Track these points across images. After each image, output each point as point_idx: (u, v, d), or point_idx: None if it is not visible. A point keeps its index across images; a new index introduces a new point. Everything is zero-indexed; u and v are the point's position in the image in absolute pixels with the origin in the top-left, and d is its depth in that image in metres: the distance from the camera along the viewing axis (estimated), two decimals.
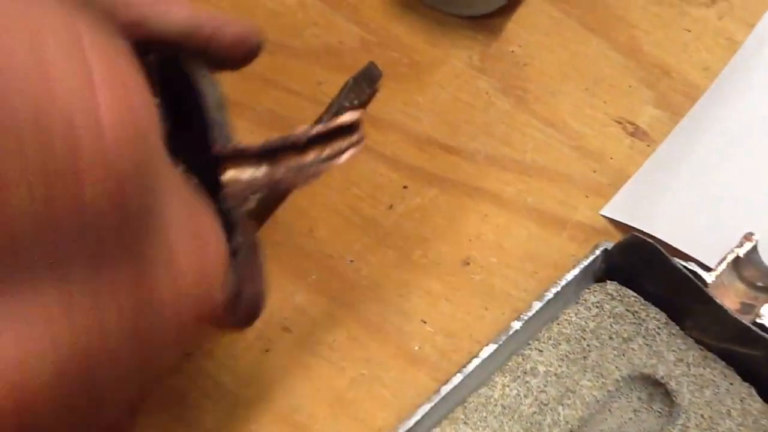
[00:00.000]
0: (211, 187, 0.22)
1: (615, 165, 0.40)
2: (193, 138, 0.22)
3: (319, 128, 0.23)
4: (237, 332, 0.32)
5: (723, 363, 0.29)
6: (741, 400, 0.29)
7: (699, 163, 0.39)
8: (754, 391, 0.29)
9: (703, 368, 0.29)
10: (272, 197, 0.35)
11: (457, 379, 0.29)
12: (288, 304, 0.36)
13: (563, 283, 0.30)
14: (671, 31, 0.44)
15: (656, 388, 0.29)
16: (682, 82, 0.43)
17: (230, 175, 0.22)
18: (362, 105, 0.27)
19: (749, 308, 0.30)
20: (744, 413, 0.28)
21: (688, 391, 0.29)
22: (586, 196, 0.39)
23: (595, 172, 0.40)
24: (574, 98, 0.42)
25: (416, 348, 0.35)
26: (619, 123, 0.42)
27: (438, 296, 0.37)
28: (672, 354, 0.30)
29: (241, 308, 0.24)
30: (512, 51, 0.44)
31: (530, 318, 0.30)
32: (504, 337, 0.29)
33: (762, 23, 0.43)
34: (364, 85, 0.34)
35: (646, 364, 0.29)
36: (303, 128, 0.23)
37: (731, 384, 0.29)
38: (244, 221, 0.23)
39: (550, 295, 0.30)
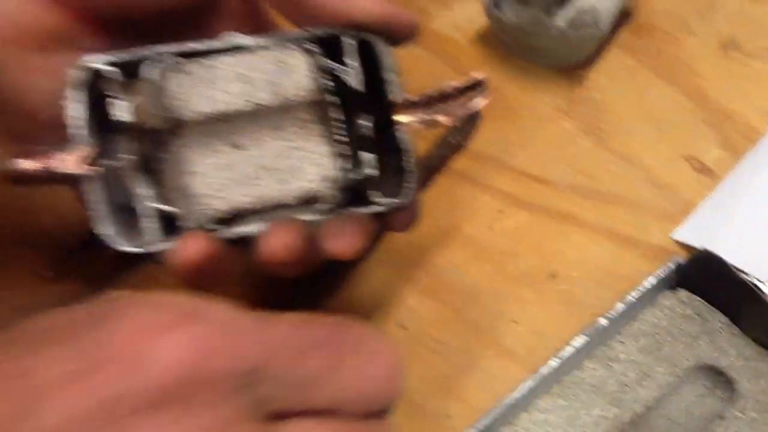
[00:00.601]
0: (390, 123, 0.32)
1: (683, 196, 0.46)
2: (377, 91, 0.32)
3: (460, 83, 0.32)
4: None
5: None
6: None
7: (759, 196, 0.45)
8: None
9: (759, 362, 0.35)
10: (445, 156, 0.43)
11: (555, 362, 0.35)
12: (403, 305, 0.43)
13: (642, 289, 0.37)
14: (734, 81, 0.50)
15: (719, 377, 0.35)
16: (743, 126, 0.49)
17: (401, 117, 0.31)
18: (467, 136, 0.33)
19: None
20: None
21: (746, 380, 0.35)
22: (657, 222, 0.45)
23: (665, 201, 0.46)
24: (646, 138, 0.49)
25: (509, 343, 0.42)
26: (687, 160, 0.48)
27: (527, 302, 0.43)
28: (733, 349, 0.36)
29: (410, 216, 0.34)
30: (593, 96, 0.51)
31: (615, 317, 0.36)
32: (593, 331, 0.35)
33: None
34: (468, 123, 0.40)
35: (710, 357, 0.35)
36: (447, 84, 0.32)
37: None
38: (411, 149, 0.32)
39: (632, 298, 0.36)
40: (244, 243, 0.31)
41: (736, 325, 0.36)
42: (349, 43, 0.31)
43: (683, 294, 0.37)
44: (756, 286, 0.36)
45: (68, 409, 0.21)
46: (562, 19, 0.50)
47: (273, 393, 0.23)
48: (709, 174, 0.47)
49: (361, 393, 0.26)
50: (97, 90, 0.30)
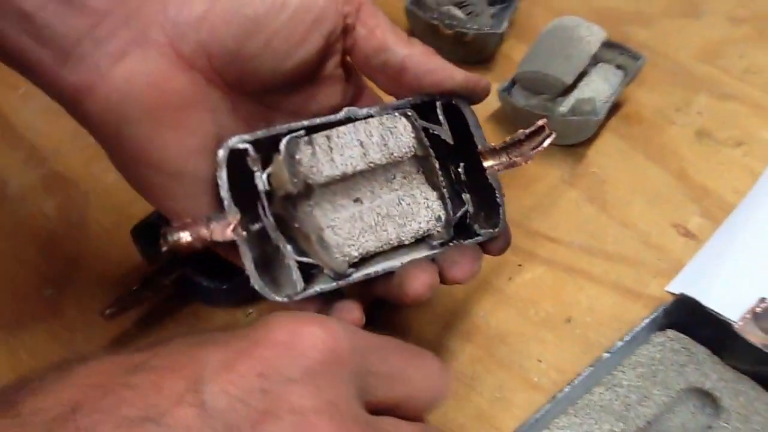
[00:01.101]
0: (480, 169, 0.38)
1: (673, 256, 0.55)
2: (467, 144, 0.39)
3: (528, 130, 0.39)
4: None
5: (752, 380, 0.44)
6: (765, 402, 0.43)
7: (732, 255, 0.54)
8: (766, 393, 0.43)
9: (737, 383, 0.44)
10: None
11: (567, 388, 0.43)
12: (442, 347, 0.51)
13: (637, 329, 0.45)
14: (709, 164, 0.60)
15: (705, 397, 0.44)
16: (718, 199, 0.58)
17: (488, 163, 0.39)
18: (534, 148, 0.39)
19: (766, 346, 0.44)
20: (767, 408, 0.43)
21: (728, 398, 0.43)
22: (654, 277, 0.54)
23: (659, 260, 0.55)
24: (640, 207, 0.58)
25: (535, 379, 0.49)
26: (674, 227, 0.57)
27: (548, 343, 0.51)
28: (715, 374, 0.44)
29: (505, 241, 0.41)
30: (593, 171, 0.60)
31: (615, 351, 0.44)
32: (598, 363, 0.44)
33: None
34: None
35: (697, 381, 0.44)
36: (520, 132, 0.39)
37: (758, 393, 0.43)
38: (500, 186, 0.39)
39: (628, 337, 0.45)
40: (369, 279, 0.37)
41: (717, 354, 0.45)
42: (440, 106, 0.39)
43: (671, 333, 0.46)
44: (730, 323, 0.45)
45: (231, 382, 0.26)
46: (564, 106, 0.60)
47: (370, 382, 0.30)
48: (693, 238, 0.56)
49: (425, 387, 0.33)
50: (239, 164, 0.35)
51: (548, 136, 0.38)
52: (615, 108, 0.63)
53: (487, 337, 0.51)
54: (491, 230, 0.39)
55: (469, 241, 0.39)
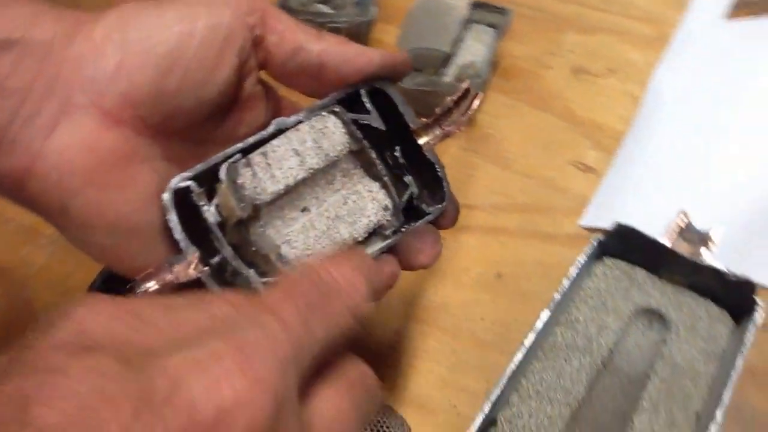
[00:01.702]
0: (416, 148, 0.38)
1: (579, 193, 0.57)
2: (400, 126, 0.38)
3: (455, 96, 0.38)
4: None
5: (689, 290, 0.45)
6: (706, 310, 0.45)
7: (631, 179, 0.56)
8: (711, 302, 0.45)
9: (678, 296, 0.45)
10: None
11: (532, 335, 0.43)
12: (393, 331, 0.51)
13: (579, 264, 0.46)
14: (591, 97, 0.62)
15: (653, 315, 0.45)
16: (607, 129, 0.61)
17: (423, 139, 0.38)
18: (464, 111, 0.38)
19: (696, 256, 0.46)
20: (709, 316, 0.44)
21: (672, 311, 0.44)
22: (566, 216, 0.56)
23: (567, 200, 0.57)
24: (538, 155, 0.59)
25: (483, 337, 0.50)
26: (573, 165, 0.59)
27: (486, 302, 0.51)
28: (656, 292, 0.45)
29: (453, 212, 0.39)
30: (489, 132, 0.61)
31: (566, 290, 0.45)
32: (552, 305, 0.44)
33: (651, 81, 0.62)
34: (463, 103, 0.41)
35: (643, 302, 0.45)
36: (447, 100, 0.38)
37: (697, 301, 0.45)
38: (438, 160, 0.38)
39: (573, 273, 0.46)
40: None
41: (654, 274, 0.47)
42: (364, 94, 0.37)
43: (609, 261, 0.47)
44: (657, 240, 0.46)
45: None
46: (448, 75, 0.60)
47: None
48: (592, 171, 0.58)
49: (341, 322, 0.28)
50: (186, 203, 0.34)
51: (475, 97, 0.38)
52: (493, 66, 0.64)
53: (431, 311, 0.51)
54: (439, 206, 0.38)
55: (420, 222, 0.38)
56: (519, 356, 0.42)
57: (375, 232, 0.38)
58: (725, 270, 0.44)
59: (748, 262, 0.49)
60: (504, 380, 0.41)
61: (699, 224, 0.48)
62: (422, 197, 0.39)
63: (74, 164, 0.32)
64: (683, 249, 0.47)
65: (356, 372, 0.28)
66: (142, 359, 0.22)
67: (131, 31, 0.33)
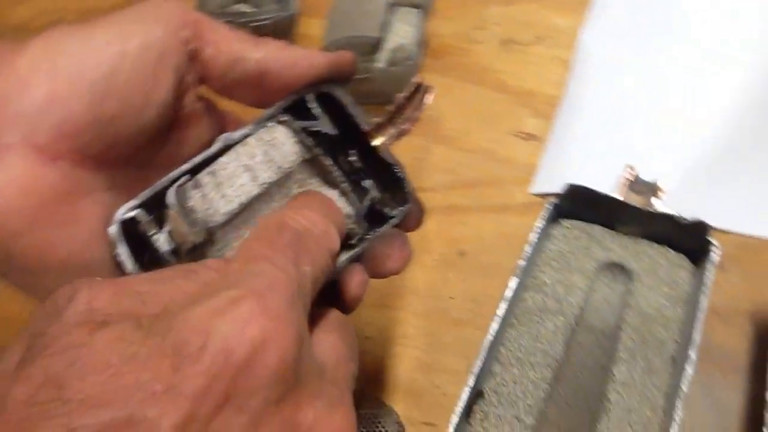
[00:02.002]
0: (371, 148, 0.36)
1: (524, 161, 0.58)
2: (352, 129, 0.36)
3: (405, 93, 0.36)
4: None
5: (646, 240, 0.47)
6: (665, 256, 0.46)
7: (575, 140, 0.57)
8: (668, 249, 0.47)
9: (636, 246, 0.47)
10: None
11: (504, 304, 0.44)
12: (367, 324, 0.51)
13: (538, 229, 0.47)
14: (522, 67, 0.63)
15: (615, 268, 0.46)
16: (543, 96, 0.61)
17: (377, 140, 0.36)
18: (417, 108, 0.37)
19: (647, 206, 0.48)
20: (669, 262, 0.46)
21: (633, 262, 0.46)
22: (516, 186, 0.56)
23: (514, 170, 0.57)
24: (479, 130, 0.60)
25: (455, 315, 0.50)
26: (515, 135, 0.60)
27: (453, 280, 0.52)
28: (616, 246, 0.47)
29: (418, 213, 0.38)
30: (428, 114, 0.61)
31: (529, 255, 0.46)
32: (518, 271, 0.45)
33: (578, 43, 0.63)
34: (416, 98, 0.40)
35: (604, 257, 0.46)
36: (399, 97, 0.36)
37: (654, 249, 0.46)
38: (396, 161, 0.36)
39: (533, 239, 0.46)
40: None
41: (611, 228, 0.48)
42: (312, 99, 0.36)
43: (566, 222, 0.48)
44: (609, 195, 0.48)
45: None
46: (380, 61, 0.60)
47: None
48: (534, 138, 0.59)
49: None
50: (135, 233, 0.32)
51: (427, 90, 0.37)
52: (423, 46, 0.64)
53: (401, 297, 0.52)
54: (402, 208, 0.37)
55: (385, 226, 0.36)
56: (494, 326, 0.43)
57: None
58: (677, 215, 0.46)
59: (698, 206, 0.51)
60: (484, 352, 0.42)
61: (646, 176, 0.50)
62: (384, 201, 0.38)
63: (12, 207, 0.30)
64: (635, 201, 0.48)
65: (337, 316, 0.30)
66: (161, 322, 0.23)
67: (59, 58, 0.31)
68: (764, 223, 0.51)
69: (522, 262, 0.46)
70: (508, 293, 0.44)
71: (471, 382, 0.41)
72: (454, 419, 0.40)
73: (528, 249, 0.46)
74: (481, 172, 0.58)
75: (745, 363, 0.45)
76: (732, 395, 0.44)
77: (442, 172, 0.58)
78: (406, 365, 0.48)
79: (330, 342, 0.29)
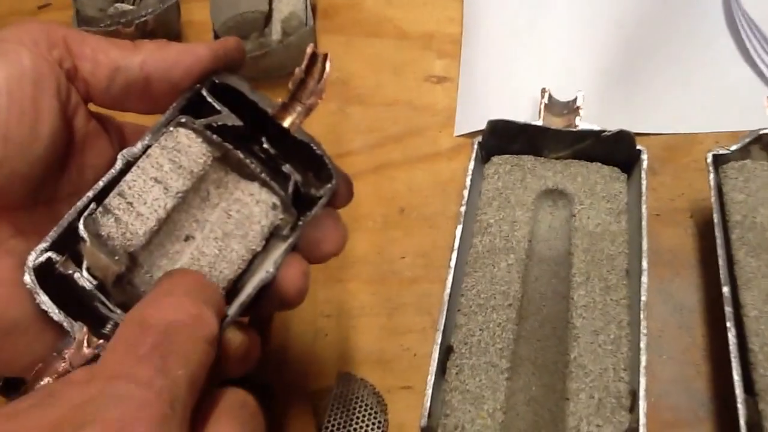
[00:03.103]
0: (282, 131, 0.34)
1: (443, 105, 0.57)
2: (257, 115, 0.34)
3: (302, 66, 0.34)
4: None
5: (577, 161, 0.47)
6: (598, 172, 0.46)
7: (486, 74, 0.57)
8: (600, 164, 0.47)
9: (570, 168, 0.46)
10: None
11: (455, 254, 0.43)
12: (320, 299, 0.49)
13: (470, 171, 0.46)
14: (416, 9, 0.62)
15: (554, 192, 0.46)
16: (443, 36, 0.60)
17: (286, 121, 0.34)
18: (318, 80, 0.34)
19: (570, 126, 0.47)
20: (603, 177, 0.46)
21: (569, 184, 0.46)
22: (440, 131, 0.56)
23: (434, 115, 0.56)
24: (390, 81, 0.59)
25: (409, 274, 0.49)
26: (427, 80, 0.59)
27: (400, 238, 0.51)
28: (548, 172, 0.46)
29: (347, 188, 0.36)
30: (336, 76, 0.59)
31: (467, 200, 0.45)
32: (460, 218, 0.44)
33: None
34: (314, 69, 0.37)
35: (540, 185, 0.46)
36: (296, 71, 0.34)
37: (587, 167, 0.46)
38: (311, 138, 0.34)
39: (467, 182, 0.46)
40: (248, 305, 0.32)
41: (540, 155, 0.47)
42: (207, 93, 0.33)
43: (496, 159, 0.48)
44: (530, 123, 0.47)
45: None
46: (275, 34, 0.58)
47: None
48: (446, 80, 0.58)
49: None
50: (53, 276, 0.30)
51: (325, 59, 0.34)
52: (313, 10, 0.62)
53: (351, 267, 0.50)
54: (329, 185, 0.35)
55: (315, 208, 0.34)
56: (450, 279, 0.42)
57: (272, 236, 0.34)
58: (600, 129, 0.46)
59: (617, 116, 0.51)
60: (444, 306, 0.41)
61: (561, 96, 0.49)
62: (308, 182, 0.36)
63: None
64: (556, 124, 0.48)
65: (234, 399, 0.27)
66: None
67: None
68: (682, 119, 0.52)
69: (463, 208, 0.45)
70: (456, 243, 0.44)
71: (438, 339, 0.40)
72: (430, 379, 0.39)
73: (465, 194, 0.45)
74: (403, 124, 0.56)
75: (694, 259, 0.46)
76: (689, 294, 0.45)
77: (363, 132, 0.57)
78: (370, 335, 0.47)
79: None
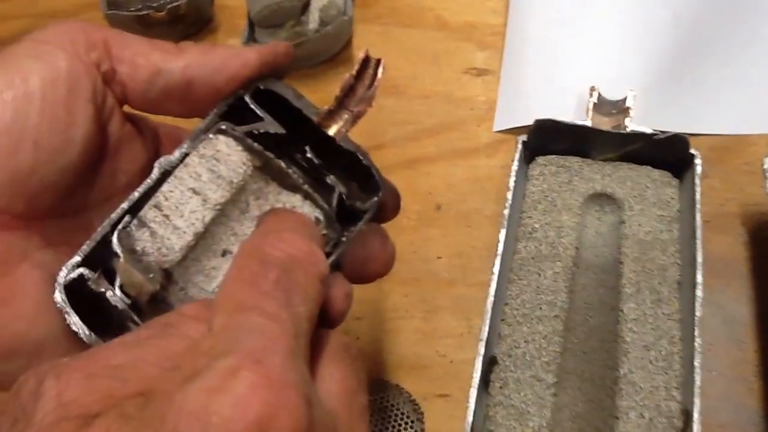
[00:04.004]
0: (327, 139, 0.31)
1: (483, 98, 0.54)
2: (302, 122, 0.32)
3: (353, 71, 0.32)
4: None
5: (622, 162, 0.44)
6: (648, 176, 0.44)
7: (530, 68, 0.54)
8: (650, 168, 0.44)
9: (618, 172, 0.44)
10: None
11: (498, 259, 0.41)
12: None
13: (514, 171, 0.44)
14: (456, 1, 0.59)
15: (602, 197, 0.43)
16: (485, 26, 0.58)
17: (332, 129, 0.32)
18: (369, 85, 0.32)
19: (618, 128, 0.45)
20: (654, 182, 0.43)
21: (618, 188, 0.43)
22: (479, 126, 0.53)
23: (473, 109, 0.54)
24: (428, 73, 0.56)
25: (446, 275, 0.47)
26: (466, 72, 0.56)
27: (436, 235, 0.48)
28: (597, 174, 0.44)
29: (394, 200, 0.34)
30: None
31: (511, 202, 0.43)
32: (504, 222, 0.42)
33: None
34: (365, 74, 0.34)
35: (588, 188, 0.44)
36: (347, 76, 0.31)
37: (637, 170, 0.44)
38: (358, 147, 0.32)
39: (511, 183, 0.43)
40: None
41: (587, 157, 0.45)
42: (250, 100, 0.31)
43: (541, 159, 0.45)
44: (579, 124, 0.45)
45: None
46: (312, 22, 0.55)
47: None
48: (487, 73, 0.56)
49: None
50: (84, 292, 0.28)
51: (378, 64, 0.32)
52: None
53: None
54: (374, 198, 0.32)
55: (360, 223, 0.32)
56: (493, 286, 0.40)
57: None
58: (652, 131, 0.43)
59: (665, 116, 0.49)
60: (487, 315, 0.39)
61: (610, 95, 0.47)
62: (353, 194, 0.33)
63: None
64: (604, 124, 0.45)
65: (338, 343, 0.26)
66: (151, 408, 0.19)
67: None
68: (735, 119, 0.49)
69: (506, 211, 0.43)
70: (500, 248, 0.41)
71: (482, 349, 0.38)
72: (473, 391, 0.37)
73: (509, 196, 0.43)
74: (439, 117, 0.54)
75: (746, 269, 0.44)
76: (740, 306, 0.43)
77: (397, 124, 0.54)
78: (405, 338, 0.45)
79: (336, 377, 0.25)
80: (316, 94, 0.55)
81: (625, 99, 0.46)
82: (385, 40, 0.58)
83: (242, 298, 0.23)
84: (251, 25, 0.55)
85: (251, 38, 0.55)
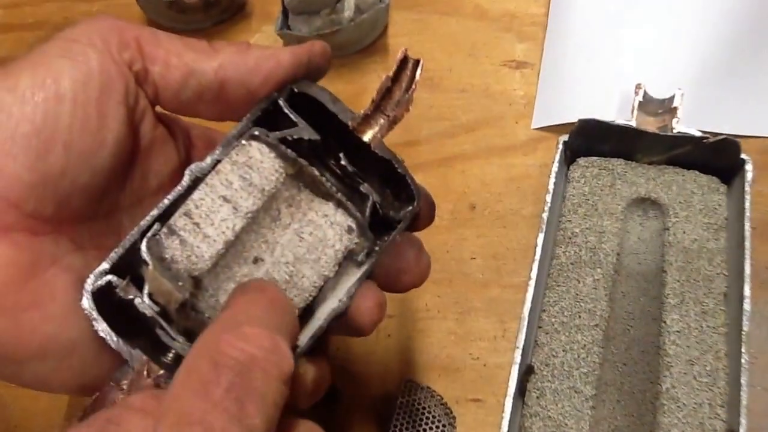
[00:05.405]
0: (361, 146, 0.31)
1: (521, 93, 0.53)
2: (337, 127, 0.31)
3: (390, 73, 0.31)
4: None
5: (671, 166, 0.43)
6: (695, 181, 0.42)
7: (572, 63, 0.52)
8: (697, 173, 0.42)
9: (663, 176, 0.42)
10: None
11: (536, 265, 0.40)
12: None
13: (554, 172, 0.42)
14: None
15: (645, 201, 0.42)
16: (526, 17, 0.56)
17: (367, 135, 0.31)
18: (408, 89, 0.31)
19: (665, 129, 0.43)
20: (701, 187, 0.42)
21: (663, 193, 0.42)
22: (517, 122, 0.52)
23: (512, 104, 0.52)
24: (465, 65, 0.55)
25: (480, 276, 0.46)
26: (504, 65, 0.54)
27: (470, 237, 0.47)
28: (640, 178, 0.42)
29: (428, 208, 0.33)
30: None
31: (551, 205, 0.41)
32: (543, 225, 0.41)
33: None
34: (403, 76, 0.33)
35: (632, 192, 0.42)
36: (383, 78, 0.31)
37: (683, 175, 0.42)
38: (393, 155, 0.31)
39: (551, 186, 0.42)
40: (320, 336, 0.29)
41: (631, 160, 0.43)
42: (284, 103, 0.30)
43: (582, 161, 0.44)
44: (624, 125, 0.43)
45: None
46: (348, 10, 0.54)
47: None
48: (526, 66, 0.54)
49: None
50: (112, 299, 0.27)
51: (416, 66, 0.31)
52: None
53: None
54: (410, 207, 0.31)
55: (395, 232, 0.31)
56: (530, 292, 0.39)
57: (345, 261, 0.31)
58: (702, 134, 0.42)
59: (711, 116, 0.47)
60: (524, 322, 0.38)
61: (657, 94, 0.45)
62: (387, 203, 0.32)
63: None
64: (650, 124, 0.43)
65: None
66: None
67: None
68: None
69: (545, 214, 0.41)
70: (538, 252, 0.40)
71: (518, 358, 0.37)
72: (509, 401, 0.36)
73: (548, 198, 0.42)
74: (476, 113, 0.53)
75: None
76: None
77: (432, 119, 0.53)
78: (437, 339, 0.44)
79: None
80: (351, 86, 0.55)
81: (672, 98, 0.44)
82: (422, 29, 0.57)
83: (187, 410, 0.22)
84: (285, 12, 0.54)
85: (285, 25, 0.53)
